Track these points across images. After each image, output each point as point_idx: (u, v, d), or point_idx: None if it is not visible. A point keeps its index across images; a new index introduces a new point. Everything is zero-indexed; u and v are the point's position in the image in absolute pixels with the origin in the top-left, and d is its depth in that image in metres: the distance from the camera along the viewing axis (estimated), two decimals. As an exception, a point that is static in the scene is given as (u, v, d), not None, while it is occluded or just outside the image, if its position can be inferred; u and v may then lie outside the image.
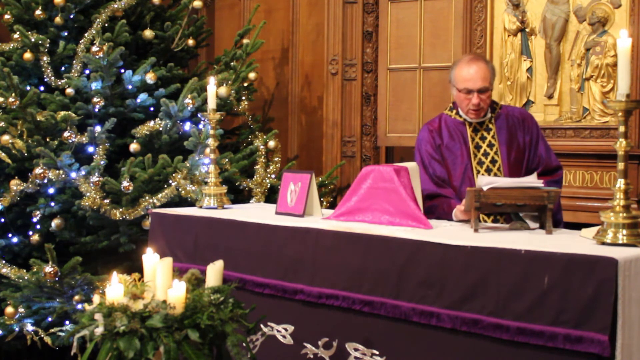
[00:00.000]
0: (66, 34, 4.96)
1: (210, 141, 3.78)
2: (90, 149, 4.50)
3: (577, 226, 3.25)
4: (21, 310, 4.35)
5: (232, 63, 5.16)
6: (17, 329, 4.36)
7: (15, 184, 4.43)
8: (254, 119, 5.42)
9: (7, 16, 5.01)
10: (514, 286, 2.42)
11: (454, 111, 3.54)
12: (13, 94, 4.48)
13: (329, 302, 2.93)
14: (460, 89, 3.41)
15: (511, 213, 3.12)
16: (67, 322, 4.34)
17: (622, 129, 2.50)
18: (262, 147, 5.06)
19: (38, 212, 4.52)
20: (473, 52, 4.82)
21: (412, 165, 3.22)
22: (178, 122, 4.63)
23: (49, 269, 4.17)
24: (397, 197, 2.97)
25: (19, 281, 4.34)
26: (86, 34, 4.80)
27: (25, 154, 4.48)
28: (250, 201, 4.81)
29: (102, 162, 4.45)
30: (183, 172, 4.48)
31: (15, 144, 4.44)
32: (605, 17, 4.58)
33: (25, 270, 4.34)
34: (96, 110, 4.61)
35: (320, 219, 3.20)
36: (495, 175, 3.38)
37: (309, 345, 3.03)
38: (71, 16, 4.91)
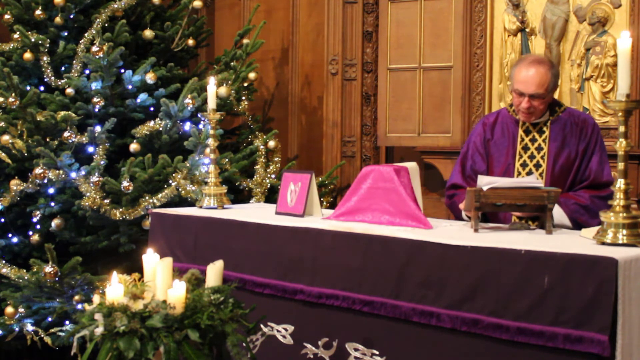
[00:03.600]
0: (66, 34, 4.96)
1: (210, 141, 3.78)
2: (90, 149, 4.50)
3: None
4: (21, 310, 4.35)
5: (232, 63, 5.16)
6: (17, 329, 4.36)
7: (15, 184, 4.43)
8: (254, 119, 5.42)
9: (7, 16, 5.01)
10: (514, 286, 2.42)
11: (512, 107, 3.43)
12: (13, 94, 4.48)
13: (329, 302, 2.93)
14: (514, 89, 3.28)
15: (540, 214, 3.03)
16: (67, 322, 4.34)
17: (622, 129, 2.50)
18: (262, 147, 5.06)
19: (38, 212, 4.52)
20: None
21: (412, 165, 3.22)
22: (178, 122, 4.63)
23: (49, 269, 4.17)
24: (397, 197, 2.97)
25: (19, 281, 4.34)
26: (86, 34, 4.80)
27: (25, 154, 4.48)
28: (250, 201, 4.81)
29: (102, 162, 4.45)
30: (183, 172, 4.48)
31: (15, 144, 4.44)
32: (605, 17, 4.58)
33: (25, 270, 4.34)
34: (96, 110, 4.61)
35: (320, 219, 3.20)
36: None
37: (309, 345, 3.03)
38: (71, 16, 4.91)
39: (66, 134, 4.43)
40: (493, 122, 3.47)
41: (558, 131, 3.31)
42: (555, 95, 4.76)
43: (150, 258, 2.70)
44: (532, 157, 3.33)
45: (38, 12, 4.87)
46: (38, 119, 4.45)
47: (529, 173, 3.30)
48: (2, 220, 4.66)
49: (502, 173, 3.34)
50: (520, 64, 3.29)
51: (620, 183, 2.50)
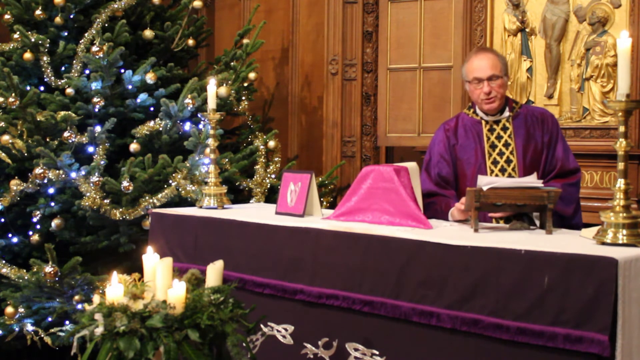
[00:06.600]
0: (66, 34, 4.96)
1: (210, 141, 3.78)
2: (90, 149, 4.50)
3: (577, 226, 3.26)
4: (21, 310, 4.35)
5: (232, 63, 5.16)
6: (17, 329, 4.36)
7: (15, 184, 4.43)
8: (254, 119, 5.42)
9: (7, 16, 5.01)
10: (514, 286, 2.42)
11: (472, 110, 3.50)
12: (13, 94, 4.48)
13: (329, 302, 2.93)
14: (470, 80, 3.37)
15: (522, 214, 3.09)
16: (67, 322, 4.34)
17: (622, 129, 2.50)
18: (262, 147, 5.06)
19: (38, 212, 4.52)
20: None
21: (412, 165, 3.22)
22: (178, 122, 4.63)
23: (49, 269, 4.16)
24: (397, 197, 2.97)
25: (19, 281, 4.34)
26: (86, 34, 4.81)
27: (25, 154, 4.48)
28: (250, 201, 4.80)
29: (102, 162, 4.45)
30: (183, 172, 4.48)
31: (15, 144, 4.44)
32: (605, 17, 4.59)
33: (25, 270, 4.34)
34: (96, 110, 4.61)
35: (320, 219, 3.19)
36: (510, 175, 3.33)
37: (309, 345, 3.03)
38: (71, 16, 4.91)
39: (66, 134, 4.43)
40: (454, 126, 3.51)
41: (520, 125, 3.40)
42: (555, 95, 4.79)
43: (150, 258, 2.70)
44: (501, 153, 3.39)
45: (38, 12, 4.87)
46: (38, 119, 4.45)
47: (502, 170, 3.36)
48: (2, 220, 4.66)
49: (475, 173, 3.37)
50: (469, 59, 3.45)
51: (620, 183, 2.50)
